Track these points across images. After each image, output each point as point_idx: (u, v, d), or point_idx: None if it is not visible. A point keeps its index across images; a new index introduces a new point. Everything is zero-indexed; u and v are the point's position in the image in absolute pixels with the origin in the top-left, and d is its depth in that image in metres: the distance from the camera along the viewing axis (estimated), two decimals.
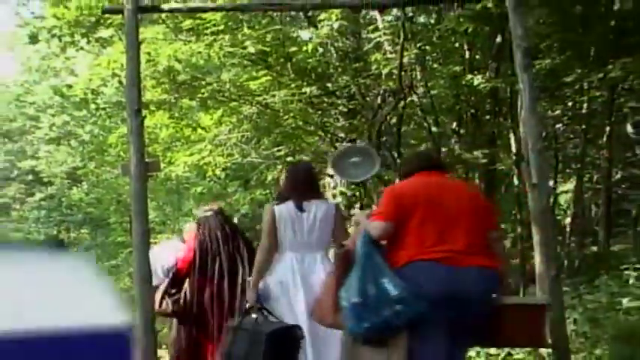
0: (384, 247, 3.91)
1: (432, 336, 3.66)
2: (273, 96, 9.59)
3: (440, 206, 3.86)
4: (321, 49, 9.51)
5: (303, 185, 4.79)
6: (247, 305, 4.67)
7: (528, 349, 6.06)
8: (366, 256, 3.79)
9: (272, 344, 4.31)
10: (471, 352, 6.34)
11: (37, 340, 1.17)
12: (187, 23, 9.18)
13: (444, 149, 9.47)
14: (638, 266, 7.03)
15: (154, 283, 5.18)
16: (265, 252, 4.74)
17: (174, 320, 5.63)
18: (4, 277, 1.30)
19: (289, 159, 10.77)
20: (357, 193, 9.95)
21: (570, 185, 10.28)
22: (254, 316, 4.53)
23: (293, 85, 9.47)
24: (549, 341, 4.21)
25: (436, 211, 3.84)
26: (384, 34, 9.01)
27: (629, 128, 10.19)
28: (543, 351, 5.84)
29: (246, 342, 4.35)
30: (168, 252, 5.88)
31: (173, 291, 5.60)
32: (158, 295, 5.45)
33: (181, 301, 5.50)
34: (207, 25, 8.93)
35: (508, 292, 4.30)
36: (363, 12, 9.73)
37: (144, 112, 5.85)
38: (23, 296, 1.27)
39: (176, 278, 5.59)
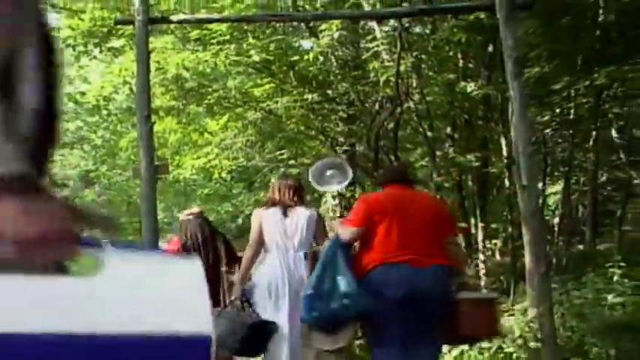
0: (353, 249, 4.27)
1: (395, 326, 3.92)
2: (277, 102, 9.60)
3: (405, 215, 4.21)
4: (321, 58, 9.52)
5: (289, 196, 5.20)
6: (232, 297, 5.02)
7: (518, 343, 6.07)
8: (330, 255, 4.17)
9: (251, 333, 4.66)
10: (464, 346, 6.35)
11: (122, 342, 1.18)
12: (195, 33, 9.20)
13: (438, 153, 9.48)
14: (622, 264, 7.04)
15: None
16: (252, 250, 5.11)
17: None
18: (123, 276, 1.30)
19: (292, 162, 10.79)
20: (355, 194, 9.96)
21: (558, 187, 10.28)
22: (237, 307, 4.91)
23: (295, 92, 9.48)
24: (499, 331, 4.68)
25: (402, 220, 4.18)
26: (382, 43, 9.02)
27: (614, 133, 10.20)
28: (533, 345, 5.86)
29: (227, 329, 4.61)
30: None
31: None
32: None
33: None
34: (214, 35, 8.94)
35: (466, 289, 4.51)
36: (362, 22, 9.75)
37: (153, 117, 5.87)
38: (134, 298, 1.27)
39: None
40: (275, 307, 4.90)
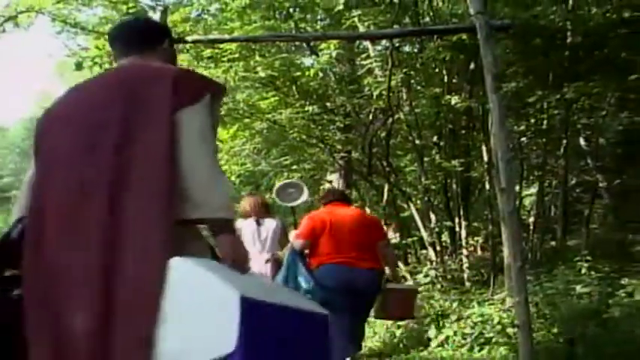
0: (305, 255, 5.06)
1: (338, 313, 4.40)
2: (281, 113, 9.61)
3: (341, 227, 5.03)
4: (321, 74, 9.54)
5: (259, 209, 5.94)
6: None
7: (497, 328, 6.09)
8: (290, 261, 4.93)
9: None
10: (449, 332, 6.37)
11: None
12: (208, 52, 9.21)
13: (426, 159, 9.49)
14: (589, 258, 7.06)
15: None
16: None
17: None
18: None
19: (294, 167, 10.80)
20: (352, 196, 9.97)
21: (533, 190, 10.28)
22: None
23: (297, 105, 9.49)
24: (414, 314, 5.78)
25: (339, 231, 5.01)
26: (375, 61, 9.05)
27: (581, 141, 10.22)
28: (510, 330, 5.87)
29: None
30: None
31: None
32: None
33: None
34: (225, 53, 8.97)
35: (395, 281, 5.41)
36: (357, 42, 9.76)
37: None
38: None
39: None
40: None
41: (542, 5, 8.16)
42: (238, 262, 1.96)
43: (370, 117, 9.60)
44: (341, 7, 8.97)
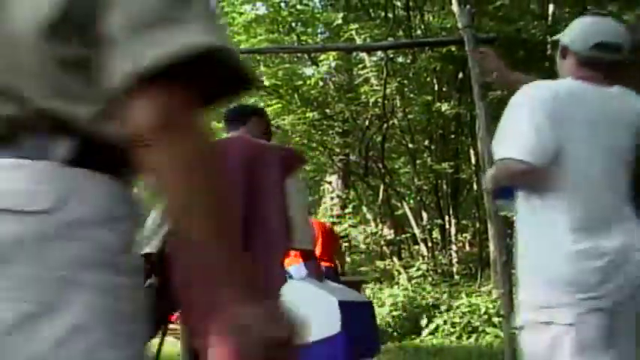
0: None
1: None
2: (284, 119, 9.63)
3: None
4: (321, 83, 9.56)
5: None
6: None
7: (484, 318, 6.11)
8: None
9: None
10: (439, 321, 6.38)
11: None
12: None
13: (418, 161, 9.51)
14: None
15: None
16: None
17: None
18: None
19: None
20: (350, 196, 10.00)
21: None
22: None
23: (299, 111, 9.51)
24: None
25: None
26: (371, 71, 9.07)
27: None
28: (496, 320, 5.88)
29: None
30: None
31: None
32: None
33: None
34: None
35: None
36: (354, 54, 9.79)
37: None
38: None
39: None
40: None
41: (524, 20, 8.20)
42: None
43: (367, 122, 9.62)
44: (339, 21, 9.00)
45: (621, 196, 1.76)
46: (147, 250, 2.68)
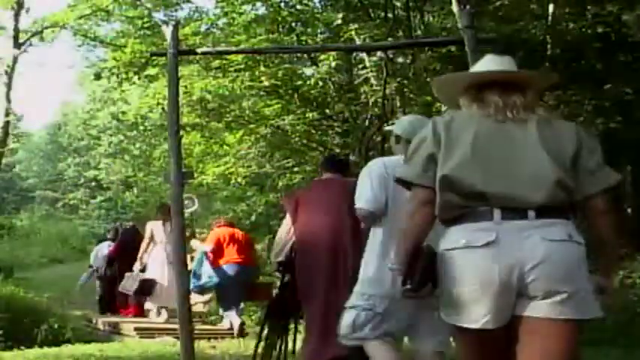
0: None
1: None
2: (283, 120, 9.59)
3: (233, 237, 7.32)
4: (321, 83, 9.51)
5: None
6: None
7: None
8: (200, 259, 7.22)
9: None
10: None
11: None
12: (216, 63, 9.20)
13: None
14: None
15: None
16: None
17: None
18: None
19: (296, 169, 10.77)
20: None
21: None
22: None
23: (299, 111, 9.48)
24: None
25: (232, 239, 7.28)
26: (371, 71, 9.02)
27: None
28: None
29: None
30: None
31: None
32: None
33: None
34: (232, 64, 8.95)
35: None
36: (354, 54, 9.74)
37: (181, 132, 5.85)
38: None
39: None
40: None
41: (524, 21, 8.16)
42: None
43: (366, 123, 9.58)
44: (339, 21, 8.95)
45: None
46: (280, 258, 3.95)
